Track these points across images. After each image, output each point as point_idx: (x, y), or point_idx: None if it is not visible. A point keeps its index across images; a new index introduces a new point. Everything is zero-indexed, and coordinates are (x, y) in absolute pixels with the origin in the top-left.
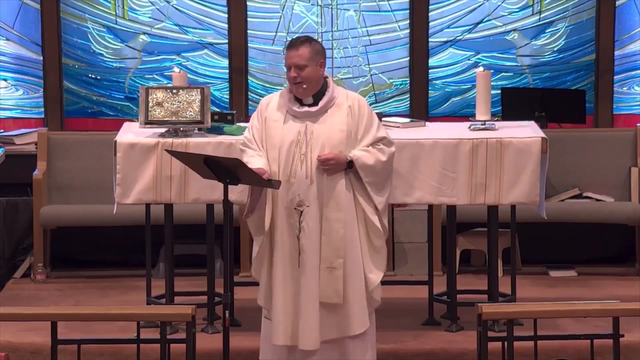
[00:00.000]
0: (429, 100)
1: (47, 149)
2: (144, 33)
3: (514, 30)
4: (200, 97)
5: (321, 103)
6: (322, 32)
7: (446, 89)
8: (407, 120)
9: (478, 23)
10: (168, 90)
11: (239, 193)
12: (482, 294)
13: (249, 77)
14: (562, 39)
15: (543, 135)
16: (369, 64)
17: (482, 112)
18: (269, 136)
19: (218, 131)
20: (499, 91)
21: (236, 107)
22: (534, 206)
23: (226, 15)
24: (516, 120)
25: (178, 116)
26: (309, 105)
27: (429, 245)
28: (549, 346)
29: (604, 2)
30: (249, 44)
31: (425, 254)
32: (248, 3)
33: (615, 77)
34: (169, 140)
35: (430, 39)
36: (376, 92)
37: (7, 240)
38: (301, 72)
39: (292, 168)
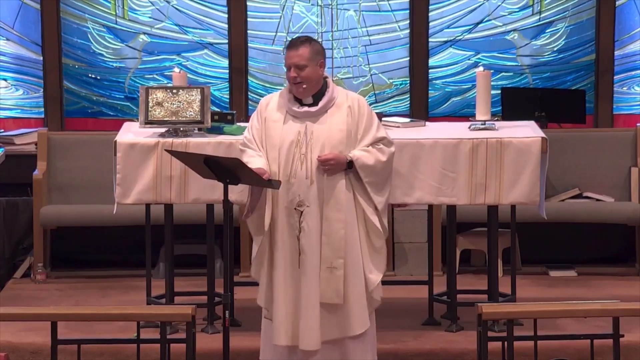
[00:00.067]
0: (429, 100)
1: (47, 149)
2: (144, 33)
3: (514, 30)
4: (200, 97)
5: (321, 103)
6: (322, 32)
7: (446, 89)
8: (407, 120)
9: (478, 23)
10: (168, 90)
11: (239, 193)
12: (482, 294)
13: (249, 77)
14: (562, 39)
15: (543, 135)
16: (369, 64)
17: (482, 112)
18: (268, 136)
19: (218, 131)
20: (499, 91)
21: (236, 107)
22: (534, 206)
23: (226, 15)
24: (516, 120)
25: (178, 116)
26: (309, 105)
27: (429, 245)
28: (549, 346)
29: (604, 2)
30: (249, 44)
31: (425, 254)
32: (248, 3)
33: (615, 77)
34: (169, 140)
35: (430, 39)
36: (376, 92)
37: (7, 240)
38: (301, 72)
39: (292, 168)
